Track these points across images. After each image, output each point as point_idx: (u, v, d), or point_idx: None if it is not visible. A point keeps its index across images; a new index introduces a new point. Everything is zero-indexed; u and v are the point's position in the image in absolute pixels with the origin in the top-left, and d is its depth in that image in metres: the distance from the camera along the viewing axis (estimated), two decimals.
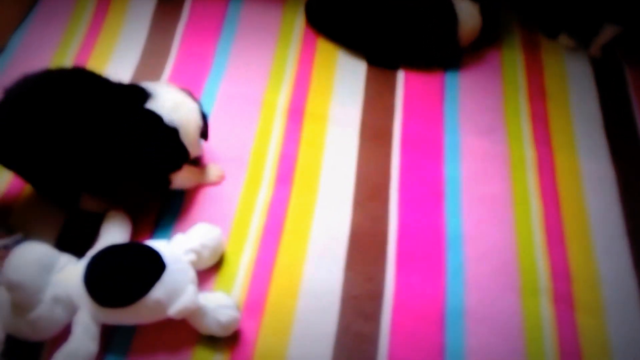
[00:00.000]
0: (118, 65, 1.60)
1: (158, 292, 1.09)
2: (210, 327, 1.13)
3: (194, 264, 1.17)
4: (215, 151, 1.43)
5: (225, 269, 1.25)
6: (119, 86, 1.26)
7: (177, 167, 1.29)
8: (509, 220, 1.37)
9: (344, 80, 1.61)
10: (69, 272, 1.13)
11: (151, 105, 1.23)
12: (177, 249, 1.17)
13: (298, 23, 1.73)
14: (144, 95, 1.24)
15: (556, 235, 1.35)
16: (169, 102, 1.25)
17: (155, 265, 1.10)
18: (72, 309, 1.11)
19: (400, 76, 1.63)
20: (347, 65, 1.64)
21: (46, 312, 1.09)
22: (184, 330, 1.15)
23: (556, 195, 1.42)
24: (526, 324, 1.22)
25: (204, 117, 1.34)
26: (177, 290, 1.10)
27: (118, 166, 1.21)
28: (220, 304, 1.13)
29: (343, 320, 1.20)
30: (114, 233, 1.22)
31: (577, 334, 1.22)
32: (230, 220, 1.32)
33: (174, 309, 1.10)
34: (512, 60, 1.69)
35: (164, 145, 1.24)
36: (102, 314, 1.10)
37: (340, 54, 1.66)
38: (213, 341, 1.15)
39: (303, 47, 1.66)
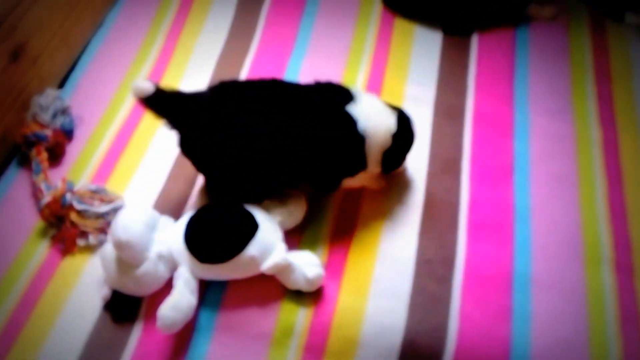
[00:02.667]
0: (207, 43, 1.66)
1: (252, 249, 1.15)
2: (297, 282, 1.19)
3: (280, 224, 1.23)
4: None
5: (309, 232, 1.31)
6: (326, 86, 1.27)
7: (351, 175, 1.29)
8: (574, 195, 1.38)
9: (420, 59, 1.63)
10: (171, 231, 1.20)
11: (351, 108, 1.24)
12: (266, 211, 1.23)
13: (376, 2, 1.75)
14: (348, 97, 1.24)
15: (619, 210, 1.36)
16: (368, 110, 1.23)
17: (249, 225, 1.17)
18: (173, 266, 1.18)
19: (473, 56, 1.64)
20: (423, 44, 1.66)
21: (151, 268, 1.16)
22: (272, 285, 1.21)
23: (619, 173, 1.42)
24: (589, 291, 1.24)
25: (403, 142, 1.30)
26: (268, 248, 1.17)
27: (305, 163, 1.22)
28: (307, 261, 1.19)
29: (417, 282, 1.24)
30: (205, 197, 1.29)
31: (636, 300, 1.23)
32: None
33: (267, 265, 1.16)
34: (579, 44, 1.68)
35: (348, 150, 1.23)
36: (201, 269, 1.17)
37: (417, 32, 1.69)
38: (299, 296, 1.21)
39: (381, 27, 1.69)
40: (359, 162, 1.26)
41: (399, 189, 1.38)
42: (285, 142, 1.17)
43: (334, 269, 1.26)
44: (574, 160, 1.44)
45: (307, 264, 1.19)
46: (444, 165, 1.42)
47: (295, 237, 1.29)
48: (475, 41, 1.68)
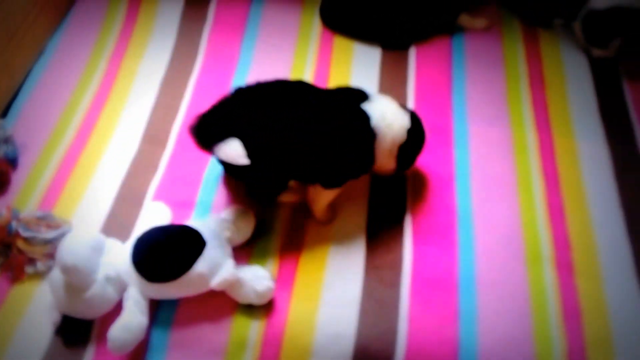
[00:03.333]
0: (150, 65, 1.66)
1: (200, 266, 1.15)
2: (248, 296, 1.19)
3: (229, 241, 1.24)
4: None
5: (258, 246, 1.31)
6: (344, 88, 1.34)
7: (356, 174, 1.32)
8: (514, 197, 1.42)
9: (360, 74, 1.66)
10: (118, 253, 1.20)
11: (365, 106, 1.28)
12: (214, 227, 1.23)
13: (316, 21, 1.79)
14: (364, 97, 1.30)
15: (557, 209, 1.41)
16: (382, 109, 1.28)
17: (196, 242, 1.17)
18: (122, 287, 1.18)
19: (412, 69, 1.68)
20: (363, 60, 1.70)
21: (99, 291, 1.15)
22: (223, 300, 1.21)
23: (556, 174, 1.47)
24: (532, 289, 1.28)
25: (417, 137, 1.35)
26: (217, 264, 1.17)
27: (322, 154, 1.24)
28: (256, 275, 1.20)
29: (367, 288, 1.26)
30: (155, 217, 1.29)
31: (577, 296, 1.27)
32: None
33: (216, 281, 1.16)
34: (513, 52, 1.74)
35: (359, 144, 1.26)
36: (150, 289, 1.17)
37: (356, 49, 1.72)
38: (250, 309, 1.21)
39: (321, 45, 1.72)
40: (368, 158, 1.29)
41: (345, 198, 1.40)
42: (308, 135, 1.22)
43: (285, 280, 1.27)
44: (512, 163, 1.49)
45: (257, 278, 1.19)
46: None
47: (245, 252, 1.30)
48: (413, 54, 1.72)
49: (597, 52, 1.63)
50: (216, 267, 1.16)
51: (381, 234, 1.35)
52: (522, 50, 1.75)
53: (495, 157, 1.50)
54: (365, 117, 1.26)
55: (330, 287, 1.26)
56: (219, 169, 1.42)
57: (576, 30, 1.70)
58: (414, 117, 1.35)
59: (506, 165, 1.48)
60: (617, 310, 1.26)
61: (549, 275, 1.30)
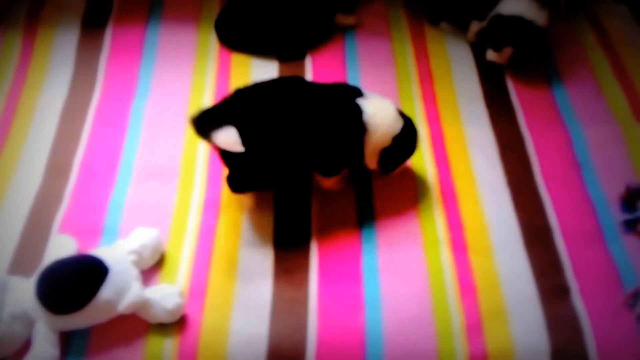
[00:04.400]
0: (49, 97, 1.64)
1: (106, 293, 1.15)
2: (158, 315, 1.20)
3: (136, 263, 1.24)
4: (149, 163, 1.50)
5: (168, 264, 1.32)
6: (340, 84, 1.39)
7: (349, 164, 1.38)
8: (410, 186, 1.49)
9: None
10: (21, 290, 1.18)
11: (360, 101, 1.33)
12: (119, 252, 1.23)
13: (213, 40, 1.80)
14: (358, 92, 1.35)
15: (449, 193, 1.48)
16: (376, 107, 1.33)
17: (98, 270, 1.17)
18: (29, 323, 1.16)
19: (308, 76, 1.73)
20: (260, 73, 1.72)
21: (6, 330, 1.13)
22: (134, 323, 1.21)
23: (447, 161, 1.54)
24: (430, 271, 1.34)
25: (402, 147, 1.40)
26: (123, 288, 1.17)
27: (316, 144, 1.29)
28: (165, 293, 1.21)
29: (277, 289, 1.29)
30: (59, 250, 1.27)
31: (471, 273, 1.34)
32: (168, 221, 1.39)
33: (123, 305, 1.16)
34: (402, 51, 1.81)
35: (350, 135, 1.31)
36: (58, 321, 1.16)
37: (254, 64, 1.75)
38: (163, 328, 1.22)
39: (219, 63, 1.73)
40: (357, 151, 1.34)
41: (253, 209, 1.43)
42: (305, 127, 1.28)
43: (196, 292, 1.28)
44: None
45: (166, 296, 1.20)
46: None
47: (155, 271, 1.31)
48: (309, 62, 1.76)
49: (490, 55, 1.70)
50: (122, 292, 1.17)
51: (288, 238, 1.38)
52: (410, 49, 1.82)
53: None
54: (358, 110, 1.32)
55: (241, 293, 1.29)
56: (125, 191, 1.43)
57: (472, 29, 1.77)
58: (407, 127, 1.40)
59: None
60: (508, 282, 1.33)
61: (445, 256, 1.37)
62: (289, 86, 1.36)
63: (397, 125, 1.38)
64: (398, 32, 1.86)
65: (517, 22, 1.61)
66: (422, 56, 1.80)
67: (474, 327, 1.27)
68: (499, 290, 1.32)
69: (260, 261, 1.34)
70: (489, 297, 1.31)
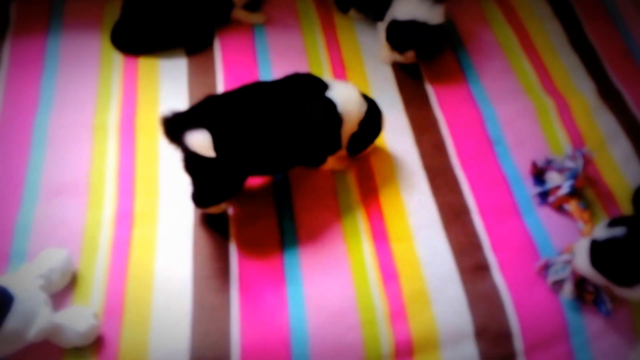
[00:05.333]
0: None
1: (11, 322, 1.09)
2: (71, 340, 1.15)
3: (45, 287, 1.19)
4: (55, 179, 1.43)
5: (81, 284, 1.27)
6: (302, 77, 1.39)
7: (332, 153, 1.41)
8: (328, 179, 1.47)
9: (169, 88, 1.64)
10: None
11: (329, 94, 1.33)
12: (25, 277, 1.17)
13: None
14: (324, 86, 1.36)
15: (368, 183, 1.47)
16: (343, 96, 1.35)
17: (1, 299, 1.11)
18: None
19: (219, 71, 1.68)
20: (170, 73, 1.67)
21: None
22: (48, 350, 1.16)
23: (367, 158, 1.52)
24: (352, 261, 1.34)
25: (369, 129, 1.42)
26: (31, 316, 1.12)
27: (298, 142, 1.32)
28: (77, 316, 1.16)
29: (197, 298, 1.26)
30: None
31: (393, 259, 1.35)
32: (79, 240, 1.34)
33: (32, 333, 1.11)
34: (313, 41, 1.79)
35: (330, 129, 1.35)
36: None
37: (162, 64, 1.69)
38: (78, 352, 1.17)
39: (125, 68, 1.67)
40: (337, 141, 1.38)
41: (168, 215, 1.39)
42: (283, 127, 1.29)
43: (112, 310, 1.24)
44: None
45: (78, 319, 1.16)
46: None
47: (67, 293, 1.25)
48: (218, 55, 1.72)
49: (397, 58, 1.69)
50: (30, 319, 1.11)
51: (207, 243, 1.35)
52: (321, 39, 1.80)
53: None
54: (332, 105, 1.33)
55: (160, 306, 1.25)
56: (31, 212, 1.36)
57: (380, 31, 1.76)
58: (371, 109, 1.41)
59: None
60: (429, 265, 1.35)
61: (367, 246, 1.37)
62: (256, 92, 1.33)
63: (362, 110, 1.39)
64: (308, 23, 1.84)
65: (411, 26, 1.61)
66: (333, 46, 1.79)
67: (398, 314, 1.27)
68: (420, 274, 1.33)
69: (178, 270, 1.31)
70: (411, 281, 1.32)
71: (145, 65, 1.69)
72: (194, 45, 1.74)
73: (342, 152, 1.44)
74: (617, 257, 1.16)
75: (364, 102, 1.40)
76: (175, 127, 1.22)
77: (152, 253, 1.33)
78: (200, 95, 1.55)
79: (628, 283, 1.16)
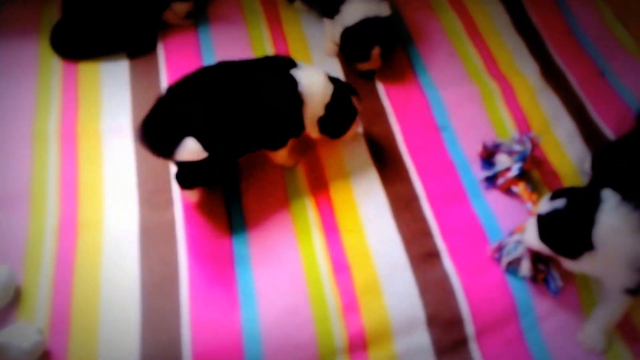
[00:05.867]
0: None
1: None
2: (16, 358, 1.13)
3: None
4: None
5: (25, 299, 1.25)
6: (273, 57, 1.41)
7: (296, 135, 1.39)
8: (278, 175, 1.47)
9: (111, 92, 1.61)
10: None
11: (294, 72, 1.31)
12: None
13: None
14: (292, 64, 1.34)
15: (318, 176, 1.47)
16: (309, 77, 1.33)
17: None
18: None
19: (163, 73, 1.65)
20: (111, 77, 1.64)
21: None
22: None
23: (316, 151, 1.52)
24: (303, 254, 1.34)
25: (337, 113, 1.39)
26: None
27: (257, 122, 1.30)
28: (21, 333, 1.14)
29: (146, 305, 1.25)
30: None
31: (344, 251, 1.35)
32: (21, 253, 1.31)
33: None
34: (258, 35, 1.77)
35: (289, 108, 1.33)
36: None
37: (103, 68, 1.66)
38: None
39: (64, 75, 1.63)
40: (298, 122, 1.36)
41: (113, 222, 1.37)
42: (244, 105, 1.28)
43: (59, 325, 1.22)
44: None
45: (22, 336, 1.14)
46: (154, 186, 1.43)
47: (11, 309, 1.23)
48: (162, 55, 1.69)
49: (362, 67, 1.66)
50: None
51: (154, 248, 1.33)
52: (267, 33, 1.79)
53: None
54: (293, 82, 1.31)
55: (108, 317, 1.24)
56: None
57: (327, 26, 1.74)
58: (338, 92, 1.38)
59: None
60: (380, 255, 1.36)
61: (318, 238, 1.37)
62: (220, 73, 1.31)
63: (328, 93, 1.36)
64: (253, 18, 1.82)
65: (366, 24, 1.59)
66: (279, 39, 1.77)
67: (350, 306, 1.28)
68: (371, 264, 1.34)
69: (126, 277, 1.29)
70: (363, 272, 1.33)
71: (86, 70, 1.66)
72: (136, 49, 1.70)
73: (316, 135, 1.43)
74: (560, 229, 1.18)
75: (330, 86, 1.37)
76: (159, 142, 1.22)
77: (98, 262, 1.31)
78: (143, 100, 1.56)
79: (574, 255, 1.18)
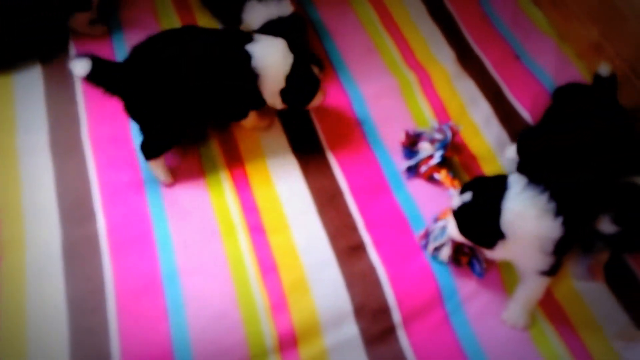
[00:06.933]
0: None
1: None
2: None
3: None
4: None
5: None
6: (232, 30, 1.47)
7: (256, 108, 1.48)
8: (202, 182, 1.51)
9: (26, 105, 1.62)
10: None
11: (249, 47, 1.38)
12: None
13: None
14: (249, 39, 1.40)
15: (240, 177, 1.53)
16: (265, 50, 1.39)
17: None
18: None
19: (78, 83, 1.67)
20: (25, 89, 1.66)
21: None
22: None
23: (237, 145, 1.58)
24: (230, 257, 1.40)
25: (297, 84, 1.44)
26: None
27: (214, 94, 1.39)
28: None
29: (73, 325, 1.28)
30: None
31: (271, 251, 1.42)
32: None
33: None
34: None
35: (244, 82, 1.40)
36: None
37: (16, 78, 1.67)
38: None
39: None
40: (255, 96, 1.42)
41: (35, 239, 1.39)
42: (199, 78, 1.36)
43: None
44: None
45: None
46: (74, 201, 1.46)
47: None
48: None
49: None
50: None
51: (77, 265, 1.37)
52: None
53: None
54: (247, 57, 1.36)
55: (36, 337, 1.26)
56: None
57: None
58: (298, 63, 1.43)
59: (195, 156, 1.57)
60: (307, 252, 1.42)
61: (244, 240, 1.42)
62: (182, 38, 1.39)
63: (287, 64, 1.42)
64: (168, 24, 1.83)
65: (269, 27, 1.62)
66: None
67: (279, 306, 1.34)
68: (298, 262, 1.40)
69: (51, 295, 1.32)
70: (290, 271, 1.39)
71: None
72: (47, 52, 1.71)
73: (279, 107, 1.49)
74: (470, 222, 1.26)
75: (289, 56, 1.42)
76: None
77: (22, 281, 1.33)
78: (58, 107, 1.58)
79: (489, 245, 1.25)
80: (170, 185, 1.49)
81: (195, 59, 1.36)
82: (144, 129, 1.43)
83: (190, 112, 1.41)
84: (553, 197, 1.19)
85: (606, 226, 1.31)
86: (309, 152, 1.58)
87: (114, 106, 1.60)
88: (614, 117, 1.42)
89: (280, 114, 1.63)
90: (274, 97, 1.46)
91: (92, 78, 1.31)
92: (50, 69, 1.70)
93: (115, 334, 1.28)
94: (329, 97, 1.69)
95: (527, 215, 1.19)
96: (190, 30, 1.43)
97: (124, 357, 1.25)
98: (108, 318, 1.30)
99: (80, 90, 1.66)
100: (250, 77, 1.40)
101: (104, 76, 1.33)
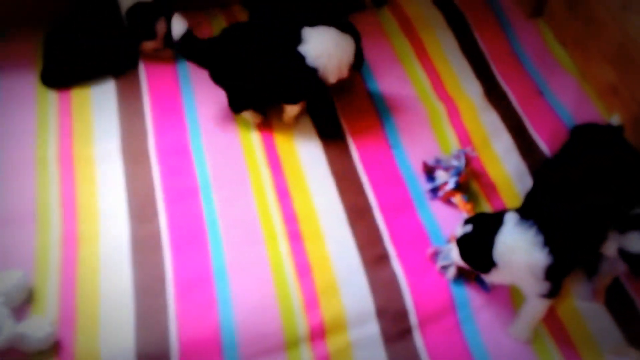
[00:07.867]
0: None
1: None
2: (33, 345, 1.44)
3: (6, 303, 1.47)
4: (4, 209, 1.71)
5: (37, 298, 1.56)
6: (285, 30, 1.82)
7: (311, 94, 1.89)
8: (249, 192, 1.79)
9: (101, 117, 1.94)
10: None
11: (302, 48, 1.76)
12: None
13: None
14: (299, 39, 1.77)
15: (283, 189, 1.80)
16: (317, 48, 1.77)
17: None
18: None
19: (146, 99, 1.98)
20: (100, 100, 1.97)
21: None
22: (14, 356, 1.45)
23: (278, 160, 1.86)
24: (271, 261, 1.66)
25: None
26: None
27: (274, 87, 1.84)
28: (36, 325, 1.45)
29: (138, 305, 1.57)
30: None
31: (307, 257, 1.67)
32: (31, 262, 1.62)
33: None
34: None
35: (303, 78, 1.79)
36: None
37: (92, 92, 1.98)
38: (40, 355, 1.47)
39: (60, 99, 1.96)
40: (314, 84, 1.82)
41: (108, 235, 1.69)
42: (265, 71, 1.80)
43: (66, 319, 1.53)
44: (242, 161, 1.86)
45: (37, 327, 1.45)
46: (141, 203, 1.75)
47: (26, 306, 1.55)
48: (144, 81, 2.02)
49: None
50: None
51: (143, 255, 1.65)
52: None
53: (230, 163, 1.86)
54: (301, 59, 1.76)
55: (107, 314, 1.55)
56: None
57: None
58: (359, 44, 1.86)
59: (238, 162, 1.86)
60: (338, 259, 1.67)
61: (284, 247, 1.69)
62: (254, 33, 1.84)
63: (347, 53, 1.83)
64: None
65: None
66: None
67: (312, 304, 1.60)
68: (330, 268, 1.66)
69: (120, 280, 1.61)
70: (323, 275, 1.65)
71: (79, 94, 1.98)
72: (119, 67, 2.04)
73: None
74: (469, 250, 1.50)
75: (347, 49, 1.82)
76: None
77: (96, 268, 1.62)
78: (129, 119, 1.90)
79: (484, 270, 1.50)
80: (259, 125, 1.93)
81: (259, 51, 1.80)
82: (227, 92, 1.87)
83: (257, 85, 1.82)
84: (542, 229, 1.42)
85: (634, 244, 1.47)
86: (344, 171, 1.84)
87: (176, 121, 1.92)
88: (623, 154, 1.64)
89: (321, 134, 1.90)
90: (341, 73, 1.83)
91: (184, 51, 1.82)
92: (123, 85, 2.01)
93: (173, 316, 1.56)
94: (364, 122, 1.96)
95: (516, 248, 1.43)
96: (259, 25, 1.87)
97: (180, 335, 1.52)
98: (167, 302, 1.58)
99: (148, 105, 1.96)
100: (309, 73, 1.77)
101: (195, 50, 1.81)
